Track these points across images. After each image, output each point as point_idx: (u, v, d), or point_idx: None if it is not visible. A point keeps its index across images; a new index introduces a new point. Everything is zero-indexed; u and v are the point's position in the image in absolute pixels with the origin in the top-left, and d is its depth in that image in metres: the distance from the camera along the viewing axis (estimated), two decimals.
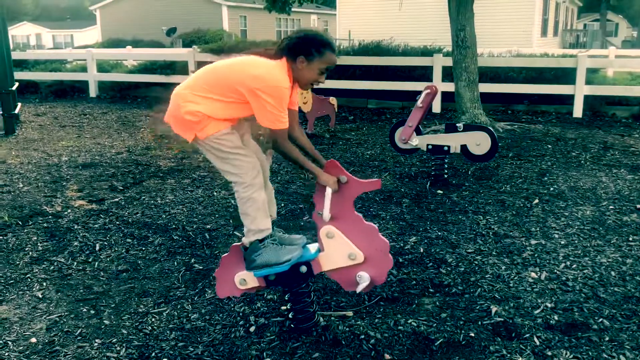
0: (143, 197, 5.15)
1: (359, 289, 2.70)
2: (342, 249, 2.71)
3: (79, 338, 2.84)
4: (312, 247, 2.79)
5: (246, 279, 2.79)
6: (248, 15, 34.06)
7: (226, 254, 2.86)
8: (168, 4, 33.31)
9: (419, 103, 5.47)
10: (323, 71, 2.68)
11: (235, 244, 2.87)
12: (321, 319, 2.91)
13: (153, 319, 3.02)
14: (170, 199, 5.11)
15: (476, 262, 3.71)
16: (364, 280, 2.69)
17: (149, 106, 11.29)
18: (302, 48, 2.62)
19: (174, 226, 4.41)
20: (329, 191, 2.66)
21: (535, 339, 2.79)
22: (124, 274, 3.59)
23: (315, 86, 2.78)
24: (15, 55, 13.10)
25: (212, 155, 2.71)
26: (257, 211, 2.69)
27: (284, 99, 2.58)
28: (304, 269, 2.75)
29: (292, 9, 12.03)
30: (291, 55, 2.64)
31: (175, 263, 3.75)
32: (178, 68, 12.26)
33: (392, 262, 2.72)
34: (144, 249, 3.99)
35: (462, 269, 3.62)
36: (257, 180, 2.69)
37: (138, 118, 9.83)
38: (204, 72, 2.72)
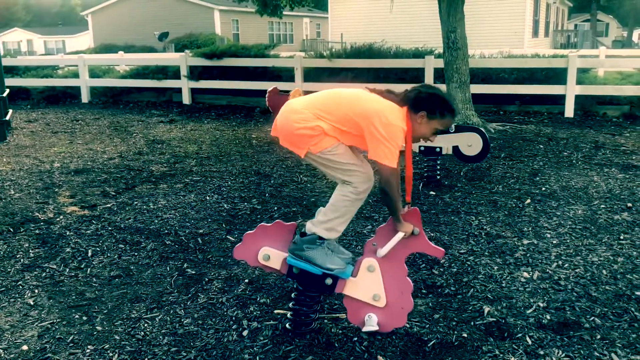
0: (135, 203, 5.14)
1: (364, 329, 2.73)
2: (372, 287, 2.74)
3: (71, 345, 2.83)
4: (349, 269, 2.79)
5: (271, 256, 2.79)
6: (240, 19, 34.09)
7: (268, 225, 2.83)
8: (160, 9, 33.30)
9: None
10: (437, 132, 2.73)
11: (279, 221, 2.84)
12: (315, 323, 2.91)
13: (146, 325, 3.01)
14: (162, 204, 5.10)
15: (469, 263, 3.72)
16: (372, 324, 2.71)
17: (141, 111, 11.27)
18: (428, 105, 2.67)
19: (166, 231, 4.40)
20: (400, 235, 2.68)
21: (528, 339, 2.80)
22: (117, 279, 3.58)
23: (422, 143, 2.81)
24: (6, 61, 13.04)
25: (326, 167, 2.73)
26: (345, 214, 2.72)
27: (398, 139, 2.60)
28: (329, 281, 2.76)
29: (285, 13, 12.05)
30: (414, 107, 2.68)
31: (168, 268, 3.74)
32: (170, 73, 12.25)
33: (405, 322, 2.77)
34: (136, 254, 3.98)
35: (455, 269, 3.63)
36: (368, 188, 2.72)
37: (130, 123, 9.81)
38: (324, 95, 2.74)
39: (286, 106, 2.76)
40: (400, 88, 9.36)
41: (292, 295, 2.87)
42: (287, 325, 2.88)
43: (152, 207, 5.01)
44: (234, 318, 3.05)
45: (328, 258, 2.72)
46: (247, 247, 2.82)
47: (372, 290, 2.73)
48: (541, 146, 7.34)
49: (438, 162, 5.58)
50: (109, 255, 3.97)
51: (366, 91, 2.75)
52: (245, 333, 2.90)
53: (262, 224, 2.86)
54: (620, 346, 2.73)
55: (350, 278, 2.76)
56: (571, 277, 3.47)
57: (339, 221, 2.72)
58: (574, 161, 6.49)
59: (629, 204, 4.86)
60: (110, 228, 4.50)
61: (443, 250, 2.74)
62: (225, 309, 3.15)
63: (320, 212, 2.78)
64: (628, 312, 3.04)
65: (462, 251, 3.92)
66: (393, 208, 2.69)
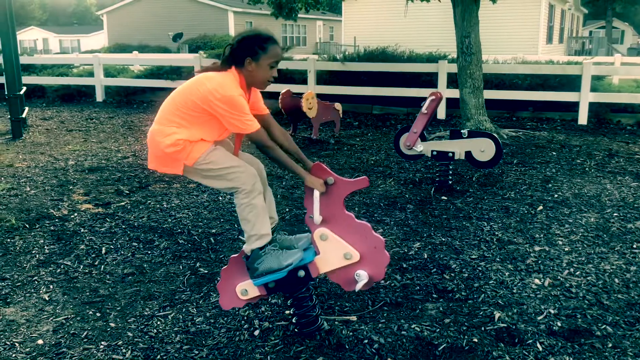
0: (149, 201, 5.19)
1: (357, 287, 2.71)
2: (337, 250, 2.74)
3: (85, 340, 2.87)
4: (309, 252, 2.81)
5: (247, 289, 2.82)
6: (254, 21, 34.22)
7: (226, 266, 2.89)
8: (174, 10, 33.53)
9: (423, 109, 5.50)
10: (273, 65, 2.72)
11: (233, 255, 2.89)
12: (325, 324, 2.93)
13: (158, 322, 3.05)
14: (175, 203, 5.15)
15: (480, 268, 3.72)
16: (362, 278, 2.70)
17: (155, 111, 11.35)
18: (246, 50, 2.66)
19: (179, 230, 4.44)
20: (316, 194, 2.70)
21: (538, 345, 2.80)
22: (130, 277, 3.62)
23: (270, 82, 2.77)
24: (23, 59, 13.20)
25: (206, 178, 2.75)
26: (257, 217, 2.72)
27: (240, 105, 2.62)
28: (301, 273, 2.77)
29: (298, 15, 12.09)
30: (238, 61, 2.68)
31: (181, 267, 3.77)
32: (184, 73, 12.34)
33: (388, 257, 2.73)
34: (149, 252, 4.02)
35: (466, 274, 3.63)
36: (257, 186, 2.72)
37: (144, 123, 9.89)
38: (165, 104, 2.77)
39: (149, 135, 2.76)
40: (413, 93, 9.35)
41: (288, 303, 2.90)
42: (295, 330, 2.91)
43: (165, 206, 5.06)
44: (245, 317, 3.08)
45: (281, 257, 2.74)
46: (227, 295, 2.85)
47: (339, 252, 2.72)
48: (554, 153, 7.31)
49: (450, 167, 5.58)
50: (122, 253, 4.02)
51: (196, 75, 2.74)
52: (256, 333, 2.92)
53: (222, 269, 2.89)
54: (632, 355, 2.72)
55: (317, 257, 2.76)
56: (583, 285, 3.47)
57: (258, 227, 2.72)
58: (586, 169, 6.46)
59: None
60: (124, 226, 4.54)
61: (366, 177, 2.72)
62: (236, 309, 3.17)
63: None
64: None
65: (473, 256, 3.93)
66: (284, 166, 2.74)
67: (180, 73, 12.43)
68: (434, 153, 5.48)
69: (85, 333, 2.94)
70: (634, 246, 4.10)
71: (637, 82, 10.57)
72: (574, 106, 9.69)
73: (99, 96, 12.89)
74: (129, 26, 34.69)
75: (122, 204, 5.13)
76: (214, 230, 4.44)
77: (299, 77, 11.48)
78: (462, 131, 5.39)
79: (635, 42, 44.62)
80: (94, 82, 12.90)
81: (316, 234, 2.74)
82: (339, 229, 2.73)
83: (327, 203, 2.73)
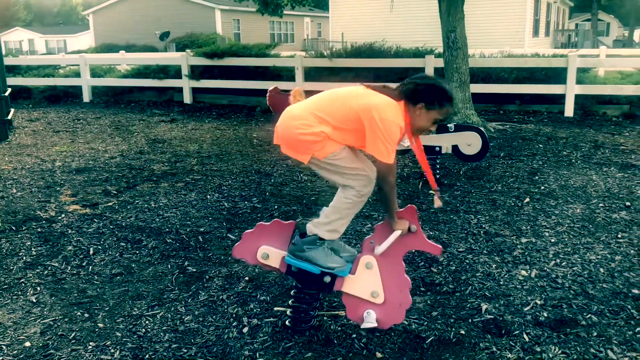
0: (137, 201, 5.17)
1: (363, 326, 2.75)
2: (370, 284, 2.76)
3: (73, 341, 2.87)
4: (347, 268, 2.81)
5: (270, 255, 2.82)
6: (241, 18, 34.12)
7: (267, 223, 2.86)
8: (161, 9, 33.34)
9: None
10: (436, 122, 2.72)
11: (279, 220, 2.87)
12: (314, 320, 2.94)
13: (147, 322, 3.05)
14: (163, 202, 5.13)
15: (467, 261, 3.75)
16: (370, 320, 2.73)
17: (142, 110, 11.31)
18: (426, 96, 2.65)
19: (167, 229, 4.44)
20: (397, 233, 2.71)
21: (525, 336, 2.83)
22: (118, 277, 3.62)
23: (423, 134, 2.80)
24: (8, 60, 13.08)
25: (329, 172, 2.74)
26: (347, 216, 2.76)
27: (395, 134, 2.61)
28: (328, 279, 2.78)
29: (286, 12, 12.08)
30: (412, 99, 2.66)
31: (169, 266, 3.77)
32: (171, 72, 12.28)
33: (403, 318, 2.78)
34: (137, 252, 4.01)
35: (453, 267, 3.66)
36: (369, 191, 2.75)
37: (132, 122, 9.85)
38: (323, 97, 2.75)
39: (286, 113, 2.77)
40: None
41: (292, 292, 2.90)
42: (286, 322, 2.92)
43: (153, 205, 5.05)
44: (234, 315, 3.08)
45: (329, 258, 2.76)
46: (247, 246, 2.85)
47: (370, 287, 2.76)
48: (540, 145, 7.36)
49: (437, 161, 5.60)
50: (110, 253, 4.00)
51: (363, 87, 2.76)
52: (245, 330, 2.93)
53: (260, 222, 2.89)
54: (617, 343, 2.75)
55: (349, 275, 2.78)
56: (569, 275, 3.50)
57: (340, 222, 2.76)
58: (573, 160, 6.52)
59: (628, 203, 4.88)
60: (111, 226, 4.53)
61: (440, 247, 2.76)
62: (225, 306, 3.18)
63: (322, 213, 2.81)
64: (624, 309, 3.07)
65: (460, 249, 3.95)
66: (387, 205, 2.72)
67: (167, 72, 12.36)
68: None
69: (73, 334, 2.93)
70: (619, 236, 4.15)
71: (622, 74, 10.66)
72: (560, 99, 9.76)
73: (86, 97, 12.81)
74: (115, 26, 34.46)
75: (110, 204, 5.11)
76: (202, 229, 4.43)
77: (287, 74, 11.47)
78: (448, 125, 5.41)
79: (620, 35, 44.98)
80: (81, 82, 12.81)
81: (364, 259, 2.77)
82: (386, 269, 2.76)
83: (394, 243, 2.73)
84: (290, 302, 2.91)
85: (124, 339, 2.88)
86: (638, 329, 2.88)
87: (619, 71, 11.07)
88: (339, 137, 2.68)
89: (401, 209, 2.74)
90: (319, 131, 2.64)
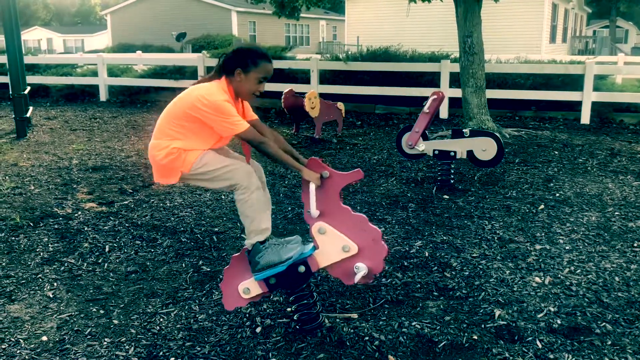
0: (152, 200, 5.22)
1: (356, 279, 2.72)
2: (335, 243, 2.76)
3: (88, 337, 2.90)
4: (309, 247, 2.84)
5: (250, 288, 2.84)
6: (257, 20, 34.28)
7: (227, 266, 2.92)
8: (178, 10, 33.60)
9: (425, 109, 5.51)
10: (261, 80, 2.83)
11: (235, 255, 2.93)
12: (326, 321, 2.96)
13: (161, 319, 3.08)
14: (178, 202, 5.18)
15: (481, 267, 3.74)
16: (360, 270, 2.72)
17: (158, 110, 11.40)
18: (238, 62, 2.77)
19: (182, 229, 4.47)
20: (312, 188, 2.73)
21: (538, 342, 2.82)
22: (133, 275, 3.66)
23: (256, 96, 2.86)
24: (27, 59, 13.24)
25: (204, 182, 2.85)
26: (256, 212, 2.79)
27: (226, 109, 2.70)
28: (302, 268, 2.80)
29: (302, 15, 12.12)
30: (229, 71, 2.79)
31: (184, 265, 3.80)
32: (187, 73, 12.38)
33: (386, 249, 2.74)
34: (152, 250, 4.05)
35: (467, 273, 3.65)
36: (253, 180, 2.79)
37: (148, 122, 9.93)
38: (160, 118, 2.85)
39: (149, 146, 2.85)
40: (415, 92, 9.37)
41: (290, 299, 2.92)
42: (296, 327, 2.93)
43: (168, 204, 5.09)
44: (247, 315, 3.10)
45: (281, 251, 2.79)
46: (230, 295, 2.88)
47: (338, 246, 2.74)
48: (556, 152, 7.32)
49: (452, 166, 5.60)
50: (125, 251, 4.05)
51: (189, 87, 2.84)
52: (258, 330, 2.95)
53: (224, 268, 2.92)
54: (631, 352, 2.74)
55: (316, 251, 2.79)
56: (583, 283, 3.48)
57: (256, 222, 2.79)
58: (588, 168, 6.47)
59: None
60: (127, 224, 4.58)
61: (358, 169, 2.73)
62: (239, 306, 3.20)
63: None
64: None
65: (474, 255, 3.94)
66: (280, 161, 2.79)
67: (183, 73, 12.47)
68: (436, 152, 5.49)
69: (88, 330, 2.97)
70: (635, 245, 4.11)
71: None
72: (576, 105, 9.69)
73: (103, 96, 12.94)
74: (132, 26, 34.78)
75: (126, 202, 5.16)
76: (216, 229, 4.46)
77: (302, 77, 11.51)
78: (463, 130, 5.40)
79: (639, 42, 44.51)
80: (98, 81, 12.95)
81: (314, 228, 2.77)
82: (337, 222, 2.75)
83: (323, 197, 2.76)
84: (293, 307, 2.93)
85: (139, 336, 2.91)
86: None
87: (637, 79, 10.97)
88: (194, 144, 2.76)
89: (307, 163, 2.77)
90: (171, 148, 2.75)
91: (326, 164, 2.78)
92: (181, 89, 10.39)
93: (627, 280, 3.52)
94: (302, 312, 2.89)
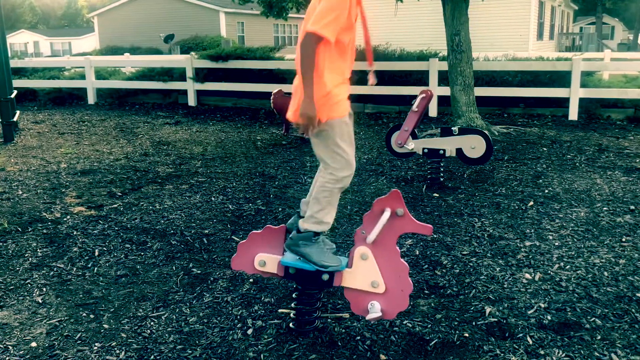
0: (141, 203, 5.19)
1: (368, 317, 2.73)
2: (369, 274, 2.75)
3: (78, 342, 2.88)
4: (344, 262, 2.82)
5: (267, 262, 2.83)
6: (245, 21, 34.19)
7: (259, 231, 2.88)
8: (166, 11, 33.45)
9: (414, 107, 5.52)
10: None
11: (270, 226, 2.90)
12: (317, 322, 2.95)
13: (152, 323, 3.06)
14: (168, 204, 5.15)
15: (471, 264, 3.75)
16: (375, 311, 2.72)
17: (147, 113, 11.35)
18: None
19: (172, 231, 4.45)
20: (385, 217, 2.67)
21: (529, 339, 2.83)
22: (123, 278, 3.63)
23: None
24: (14, 63, 13.14)
25: (320, 141, 2.74)
26: (329, 204, 2.77)
27: (338, 7, 2.55)
28: (326, 277, 2.79)
29: (289, 15, 12.11)
30: None
31: (174, 267, 3.79)
32: (176, 74, 12.32)
33: (407, 305, 2.75)
34: (142, 254, 4.03)
35: (457, 270, 3.66)
36: (347, 181, 2.78)
37: (136, 125, 9.88)
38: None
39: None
40: (404, 91, 9.38)
41: (294, 295, 2.91)
42: (290, 325, 2.93)
43: (158, 207, 5.07)
44: (238, 317, 3.10)
45: (324, 255, 2.77)
46: (243, 257, 2.87)
47: (369, 277, 2.75)
48: (545, 149, 7.36)
49: (442, 164, 5.61)
50: (115, 254, 4.02)
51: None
52: (249, 332, 2.94)
53: (253, 231, 2.90)
54: (621, 346, 2.76)
55: (347, 269, 2.78)
56: (572, 279, 3.50)
57: (323, 213, 2.77)
58: (577, 164, 6.51)
59: (632, 207, 4.88)
60: (116, 228, 4.55)
61: (430, 226, 2.72)
62: (230, 308, 3.19)
63: (305, 204, 2.85)
64: (629, 313, 3.07)
65: (464, 252, 3.96)
66: (308, 77, 2.61)
67: (172, 74, 12.41)
68: (425, 150, 5.51)
69: (78, 335, 2.95)
70: (623, 239, 4.14)
71: (627, 78, 10.64)
72: (564, 102, 9.75)
73: (91, 99, 12.86)
74: (120, 28, 34.58)
75: (115, 206, 5.13)
76: (206, 231, 4.45)
77: (291, 77, 11.44)
78: (452, 128, 5.42)
79: (625, 38, 44.90)
80: (86, 84, 12.87)
81: (358, 251, 2.75)
82: (381, 257, 2.74)
83: (385, 229, 2.72)
84: (293, 304, 2.92)
85: (129, 340, 2.89)
86: None
87: (623, 75, 11.05)
88: (331, 66, 2.66)
89: (385, 195, 2.72)
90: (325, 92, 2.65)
91: (403, 202, 2.73)
92: (170, 91, 10.36)
93: (615, 275, 3.55)
94: (302, 311, 2.88)
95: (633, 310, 3.10)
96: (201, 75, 12.00)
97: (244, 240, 2.89)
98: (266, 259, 2.83)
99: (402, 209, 2.70)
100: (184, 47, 27.51)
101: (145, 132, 9.13)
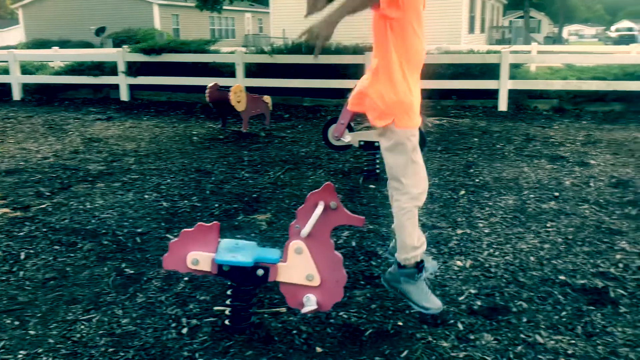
0: (71, 203, 5.01)
1: (304, 310, 2.74)
2: (304, 268, 2.74)
3: (2, 351, 2.75)
4: (274, 252, 2.81)
5: (199, 260, 2.77)
6: (180, 13, 33.49)
7: (189, 229, 2.81)
8: (97, 3, 32.30)
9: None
10: None
11: (201, 223, 2.81)
12: (253, 317, 2.94)
13: (82, 326, 2.96)
14: (99, 203, 4.99)
15: None
16: (311, 303, 2.73)
17: (77, 108, 10.94)
18: None
19: (103, 231, 4.32)
20: (318, 210, 2.67)
21: (459, 324, 2.92)
22: (51, 282, 3.50)
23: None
24: None
25: (391, 152, 2.72)
26: (413, 226, 2.74)
27: None
28: (260, 272, 2.76)
29: (226, 7, 11.95)
30: None
31: (106, 268, 3.67)
32: (107, 68, 11.92)
33: (342, 296, 2.78)
34: (72, 255, 3.89)
35: (392, 260, 3.72)
36: (422, 197, 2.76)
37: (66, 121, 9.50)
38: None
39: None
40: (340, 84, 9.42)
41: (228, 292, 2.88)
42: (226, 322, 2.90)
43: (88, 206, 4.90)
44: (173, 316, 3.04)
45: (424, 296, 2.79)
46: (175, 256, 2.80)
47: (305, 271, 2.75)
48: (476, 139, 7.60)
49: (377, 156, 5.69)
50: (43, 257, 3.86)
51: None
52: (184, 331, 2.90)
53: (184, 230, 2.84)
54: (544, 327, 2.89)
55: (281, 264, 2.77)
56: (501, 265, 3.64)
57: (413, 237, 2.77)
58: (506, 153, 6.76)
59: (556, 193, 5.12)
60: (44, 229, 4.37)
61: (363, 218, 2.76)
62: (164, 308, 3.13)
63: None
64: (552, 295, 3.22)
65: None
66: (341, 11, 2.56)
67: (102, 68, 11.99)
68: (362, 143, 5.58)
69: (2, 343, 2.81)
70: (548, 225, 4.34)
71: (552, 70, 11.13)
72: (494, 93, 10.09)
73: (16, 94, 12.26)
74: (48, 20, 33.12)
75: (43, 206, 4.92)
76: (139, 230, 4.34)
77: (227, 70, 11.34)
78: None
79: (551, 32, 46.90)
80: (10, 79, 12.26)
81: (292, 245, 2.74)
82: (316, 250, 2.73)
83: (318, 223, 2.70)
84: (228, 302, 2.89)
85: (58, 346, 2.79)
86: (564, 313, 3.03)
87: (548, 67, 11.55)
88: (408, 56, 2.68)
89: (318, 189, 2.73)
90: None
91: (337, 196, 2.73)
92: (101, 86, 10.03)
93: (540, 260, 3.71)
94: (237, 308, 2.85)
95: (556, 292, 3.26)
96: (134, 69, 11.66)
97: (175, 239, 2.83)
98: (199, 257, 2.79)
99: (335, 202, 2.71)
100: (116, 41, 26.65)
101: (76, 128, 8.80)
